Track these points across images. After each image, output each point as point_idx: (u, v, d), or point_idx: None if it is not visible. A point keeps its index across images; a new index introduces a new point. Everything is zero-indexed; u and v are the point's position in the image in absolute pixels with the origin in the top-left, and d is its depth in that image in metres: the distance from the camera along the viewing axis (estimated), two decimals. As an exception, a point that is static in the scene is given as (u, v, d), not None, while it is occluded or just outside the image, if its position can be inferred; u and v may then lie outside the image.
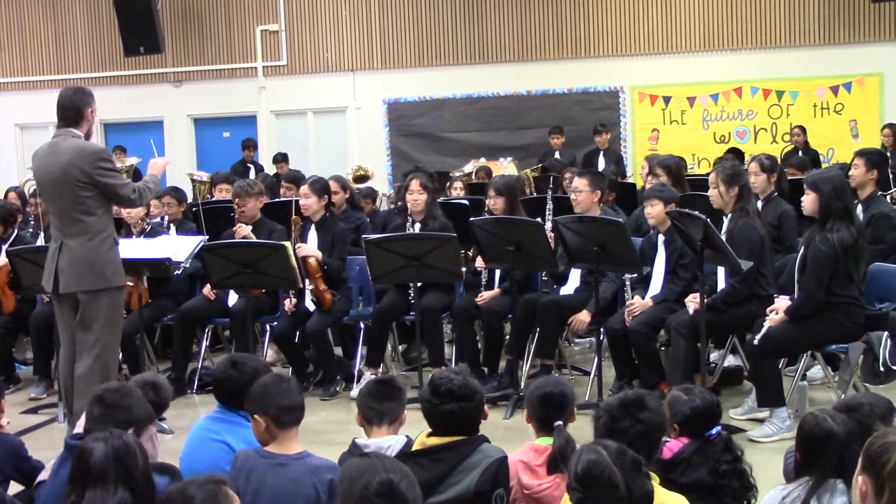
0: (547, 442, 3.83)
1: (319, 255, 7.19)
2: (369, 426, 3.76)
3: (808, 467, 3.34)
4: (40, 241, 7.98)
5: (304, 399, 3.78)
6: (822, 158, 13.56)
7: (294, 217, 7.37)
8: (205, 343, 7.73)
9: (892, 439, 2.45)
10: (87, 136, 5.95)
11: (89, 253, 5.76)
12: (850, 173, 7.03)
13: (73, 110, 5.87)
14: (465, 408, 3.60)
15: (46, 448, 5.52)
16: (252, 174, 13.43)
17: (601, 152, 13.82)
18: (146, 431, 3.88)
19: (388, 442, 3.62)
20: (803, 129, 13.67)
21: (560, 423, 3.79)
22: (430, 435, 3.65)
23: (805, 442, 3.37)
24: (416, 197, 7.35)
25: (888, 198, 9.18)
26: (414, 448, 3.61)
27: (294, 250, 6.91)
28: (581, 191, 6.99)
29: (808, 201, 5.79)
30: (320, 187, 7.45)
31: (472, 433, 3.63)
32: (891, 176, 10.19)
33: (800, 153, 12.84)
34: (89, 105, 5.92)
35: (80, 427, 4.24)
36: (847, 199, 5.79)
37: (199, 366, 7.57)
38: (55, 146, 5.86)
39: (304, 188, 7.44)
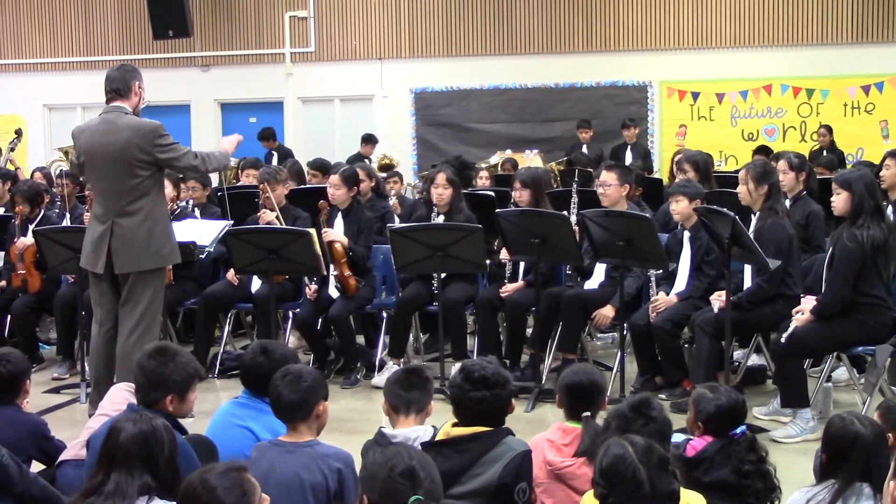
0: (575, 425, 3.86)
1: (346, 240, 7.18)
2: (396, 415, 3.75)
3: (835, 470, 3.30)
4: (66, 222, 8.01)
5: (307, 396, 3.65)
6: (851, 159, 13.41)
7: (321, 202, 7.37)
8: (227, 328, 7.75)
9: None
10: (136, 112, 5.93)
11: (146, 233, 5.77)
12: (882, 174, 6.95)
13: (121, 82, 5.86)
14: (497, 395, 3.59)
15: (68, 427, 5.55)
16: (275, 161, 13.42)
17: (628, 147, 13.74)
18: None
19: (415, 433, 3.61)
20: (829, 129, 13.53)
21: (588, 413, 3.79)
22: (455, 425, 3.64)
23: (832, 444, 3.34)
24: (442, 192, 7.32)
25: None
26: (438, 437, 3.60)
27: (320, 235, 6.93)
28: (610, 185, 6.95)
29: (840, 200, 5.72)
30: (350, 177, 7.44)
31: (498, 424, 3.62)
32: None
33: (825, 153, 12.72)
34: (137, 79, 5.92)
35: (103, 409, 4.26)
36: (878, 197, 5.74)
37: (221, 350, 7.59)
38: (110, 124, 5.82)
39: (335, 178, 7.41)
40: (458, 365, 3.93)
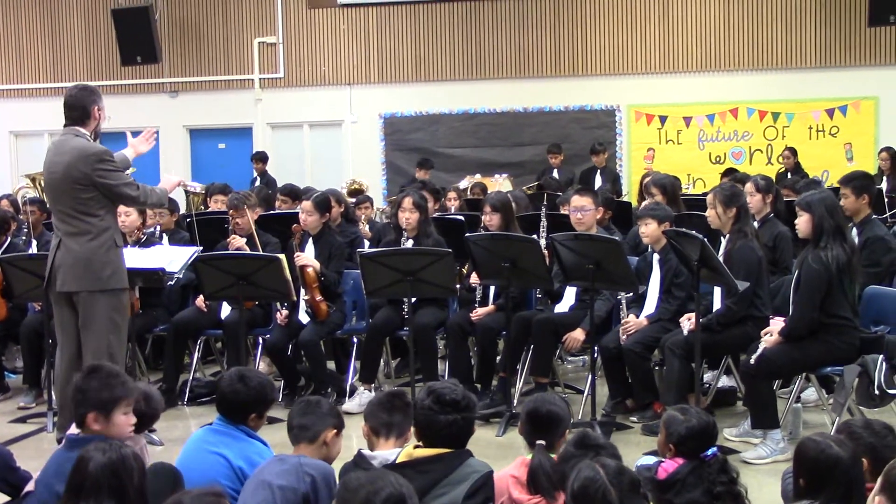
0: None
1: (318, 265, 7.17)
2: (375, 438, 3.77)
3: (814, 493, 3.31)
4: (33, 249, 7.94)
5: (316, 420, 3.82)
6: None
7: (295, 226, 7.36)
8: (196, 355, 7.69)
9: None
10: (95, 135, 5.92)
11: (88, 253, 5.74)
12: (842, 203, 6.97)
13: (79, 109, 5.85)
14: (467, 419, 3.63)
15: (34, 458, 5.47)
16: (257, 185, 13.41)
17: (598, 171, 13.84)
18: (135, 441, 3.86)
19: (393, 454, 3.61)
20: (794, 152, 13.70)
21: (542, 442, 3.78)
22: (416, 447, 3.63)
23: (811, 468, 3.34)
24: (409, 216, 7.31)
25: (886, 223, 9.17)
26: (400, 460, 3.59)
27: (291, 259, 6.91)
28: (588, 210, 6.97)
29: (802, 222, 5.79)
30: (322, 203, 7.44)
31: (462, 446, 3.64)
32: (886, 200, 10.22)
33: (789, 175, 12.85)
34: (96, 103, 5.90)
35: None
36: (839, 217, 5.79)
37: (191, 377, 7.53)
38: (61, 145, 5.85)
39: (308, 205, 7.39)
40: (425, 386, 3.91)
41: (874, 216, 7.16)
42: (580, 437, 3.59)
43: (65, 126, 5.91)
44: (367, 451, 3.69)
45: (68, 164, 5.73)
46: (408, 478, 3.39)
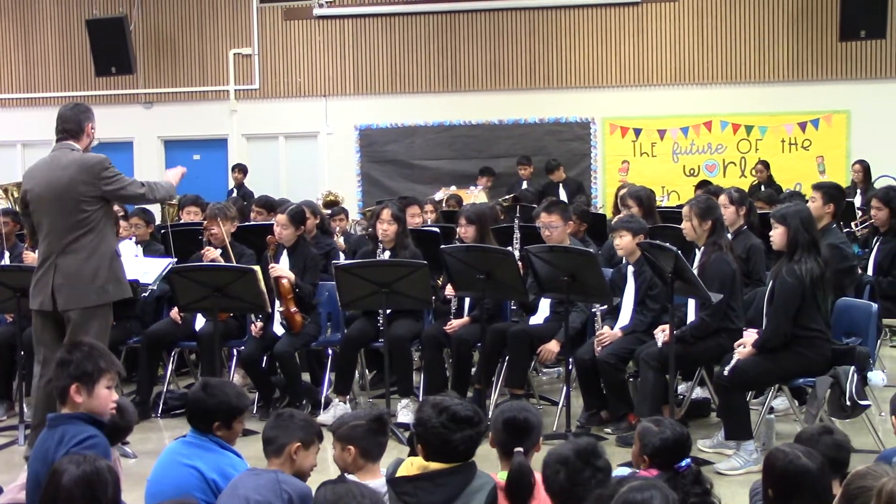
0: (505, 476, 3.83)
1: (292, 276, 7.16)
2: (365, 462, 3.81)
3: (784, 503, 3.34)
4: (5, 261, 7.88)
5: (278, 434, 3.82)
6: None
7: (269, 237, 7.34)
8: (170, 366, 7.65)
9: (869, 483, 2.50)
10: (86, 152, 5.89)
11: (90, 270, 5.70)
12: (808, 205, 7.07)
13: (73, 122, 5.84)
14: (479, 433, 3.65)
15: (5, 471, 5.44)
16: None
17: (559, 185, 13.90)
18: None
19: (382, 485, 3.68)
20: (766, 165, 13.83)
21: (520, 449, 3.78)
22: (427, 459, 3.63)
23: (780, 479, 3.37)
24: (387, 227, 7.31)
25: (856, 230, 9.31)
26: (413, 472, 3.61)
27: (266, 271, 6.90)
28: (556, 227, 6.99)
29: (777, 235, 5.85)
30: (297, 216, 7.42)
31: (468, 459, 3.65)
32: (858, 213, 10.33)
33: (762, 188, 12.96)
34: (90, 120, 5.90)
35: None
36: (814, 231, 5.86)
37: (165, 389, 7.49)
38: (56, 160, 5.80)
39: (283, 218, 7.38)
40: (427, 401, 3.85)
41: (835, 226, 7.26)
42: (588, 451, 3.53)
43: (57, 141, 5.89)
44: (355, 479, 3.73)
45: (71, 179, 5.68)
46: (425, 490, 3.50)
